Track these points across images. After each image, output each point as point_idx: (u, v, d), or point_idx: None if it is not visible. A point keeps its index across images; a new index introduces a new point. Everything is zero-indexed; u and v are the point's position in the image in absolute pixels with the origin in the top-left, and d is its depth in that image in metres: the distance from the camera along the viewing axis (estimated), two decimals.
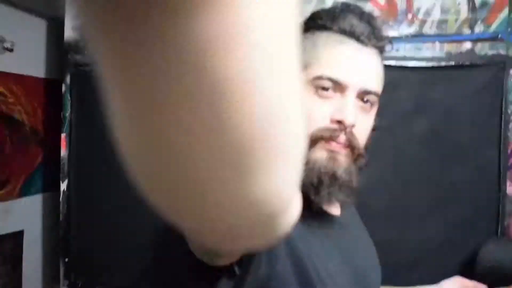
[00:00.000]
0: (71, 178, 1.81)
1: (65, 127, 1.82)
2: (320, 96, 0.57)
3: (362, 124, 0.59)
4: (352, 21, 0.57)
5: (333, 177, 0.57)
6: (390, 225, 1.52)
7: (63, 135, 1.82)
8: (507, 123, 1.46)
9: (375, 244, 1.49)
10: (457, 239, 1.45)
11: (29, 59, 2.14)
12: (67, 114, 1.81)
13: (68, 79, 1.82)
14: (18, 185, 2.09)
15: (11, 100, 2.02)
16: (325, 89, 0.57)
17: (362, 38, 0.57)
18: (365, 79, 0.57)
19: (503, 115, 1.46)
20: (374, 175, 1.53)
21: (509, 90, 1.46)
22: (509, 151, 1.46)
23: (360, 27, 0.57)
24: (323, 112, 0.57)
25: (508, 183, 1.45)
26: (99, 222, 1.78)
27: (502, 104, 1.46)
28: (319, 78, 0.57)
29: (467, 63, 1.47)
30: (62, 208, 1.82)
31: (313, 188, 0.57)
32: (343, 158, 0.58)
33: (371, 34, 0.58)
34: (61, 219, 1.83)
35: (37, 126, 2.18)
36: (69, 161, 1.81)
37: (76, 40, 1.81)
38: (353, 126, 0.56)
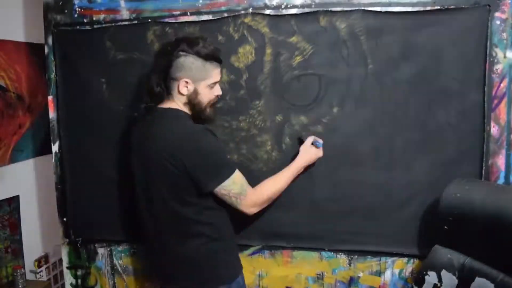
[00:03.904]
0: (61, 139, 1.79)
1: (51, 89, 1.78)
2: (211, 89, 1.41)
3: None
4: (211, 50, 1.35)
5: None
6: (378, 168, 1.56)
7: (50, 98, 1.79)
8: (491, 65, 1.48)
9: (364, 186, 1.55)
10: (443, 180, 1.49)
11: (8, 23, 2.07)
12: (52, 76, 1.78)
13: (50, 40, 1.76)
14: (8, 152, 2.08)
15: None
16: (212, 86, 1.40)
17: (218, 59, 1.41)
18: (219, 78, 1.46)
19: (487, 57, 1.47)
20: (362, 120, 1.56)
21: (493, 32, 1.47)
22: (493, 93, 1.49)
23: (214, 53, 1.37)
24: (213, 94, 1.42)
25: (492, 124, 1.49)
26: (92, 179, 1.79)
27: (486, 47, 1.47)
28: (211, 83, 1.40)
29: (453, 6, 1.47)
30: (55, 169, 1.83)
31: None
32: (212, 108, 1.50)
33: (218, 54, 1.39)
34: (55, 180, 1.84)
35: (22, 91, 2.15)
36: (58, 122, 1.79)
37: (54, 0, 1.74)
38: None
